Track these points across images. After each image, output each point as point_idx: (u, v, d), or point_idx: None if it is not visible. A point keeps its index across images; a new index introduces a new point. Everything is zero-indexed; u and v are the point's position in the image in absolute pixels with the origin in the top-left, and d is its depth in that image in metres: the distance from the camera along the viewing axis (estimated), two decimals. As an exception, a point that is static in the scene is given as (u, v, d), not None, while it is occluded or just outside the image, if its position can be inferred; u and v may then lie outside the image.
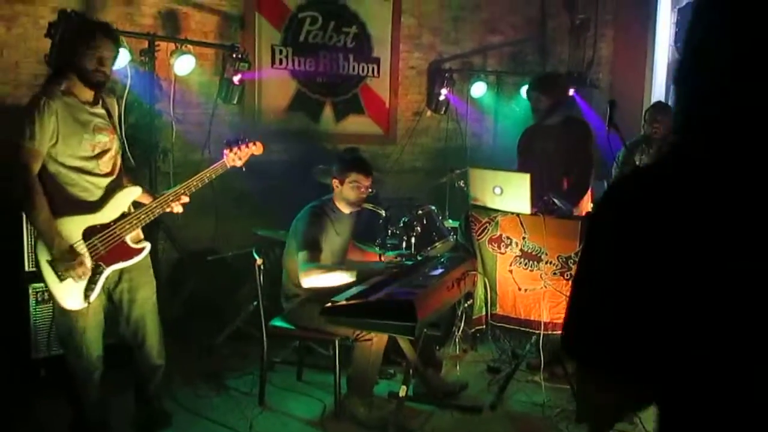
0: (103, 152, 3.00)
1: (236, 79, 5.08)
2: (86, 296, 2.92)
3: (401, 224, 4.60)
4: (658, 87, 6.76)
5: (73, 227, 2.90)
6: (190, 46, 4.85)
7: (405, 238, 4.52)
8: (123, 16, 4.82)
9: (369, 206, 4.49)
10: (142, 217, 3.05)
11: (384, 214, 4.56)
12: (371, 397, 3.65)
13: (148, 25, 4.94)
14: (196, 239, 5.27)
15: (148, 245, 3.13)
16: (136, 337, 3.19)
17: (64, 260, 2.84)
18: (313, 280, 3.58)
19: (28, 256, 3.81)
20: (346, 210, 3.85)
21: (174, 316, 4.65)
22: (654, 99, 6.73)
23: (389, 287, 3.31)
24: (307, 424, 3.66)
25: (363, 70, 6.17)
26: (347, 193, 3.78)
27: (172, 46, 4.86)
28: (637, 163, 4.58)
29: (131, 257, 3.07)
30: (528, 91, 4.66)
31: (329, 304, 3.16)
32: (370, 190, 3.88)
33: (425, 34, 6.52)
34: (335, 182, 3.79)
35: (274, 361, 4.19)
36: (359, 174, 3.79)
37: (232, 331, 4.66)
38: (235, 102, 5.20)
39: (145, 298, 3.19)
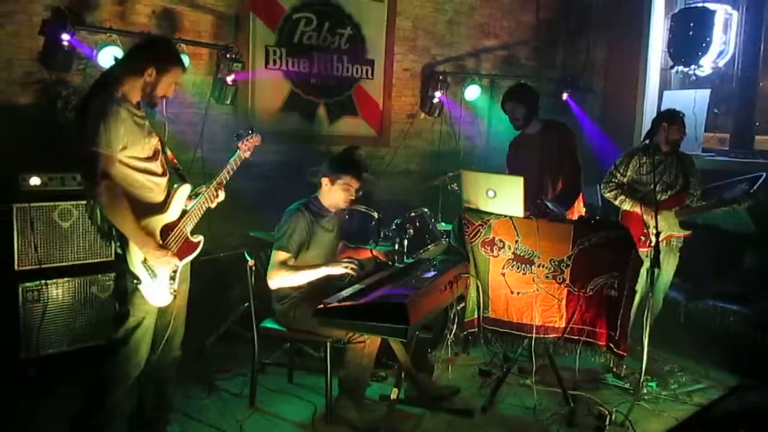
0: (156, 153, 3.08)
1: (230, 79, 5.07)
2: (171, 291, 3.07)
3: (394, 226, 4.61)
4: (651, 92, 6.79)
5: (154, 228, 3.00)
6: (183, 46, 4.84)
7: (398, 240, 4.53)
8: (116, 14, 4.80)
9: (362, 208, 4.48)
10: (197, 212, 3.19)
11: (377, 216, 4.57)
12: (363, 400, 3.65)
13: (142, 23, 4.92)
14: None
15: (202, 238, 3.24)
16: (169, 326, 3.22)
17: (156, 257, 2.94)
18: (277, 280, 3.59)
19: (18, 254, 3.79)
20: (332, 208, 3.86)
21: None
22: (647, 104, 6.76)
23: (382, 289, 3.31)
24: (298, 426, 3.66)
25: (357, 72, 6.17)
26: (336, 194, 3.79)
27: (165, 45, 4.84)
28: (629, 170, 4.57)
29: (194, 250, 3.21)
30: (503, 104, 4.66)
31: (321, 306, 3.15)
32: (359, 192, 3.90)
33: (420, 36, 6.53)
34: (325, 180, 3.79)
35: (265, 363, 4.18)
36: (353, 178, 3.81)
37: (223, 332, 4.64)
38: (228, 102, 5.20)
39: (185, 291, 3.29)
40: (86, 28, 4.54)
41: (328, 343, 3.58)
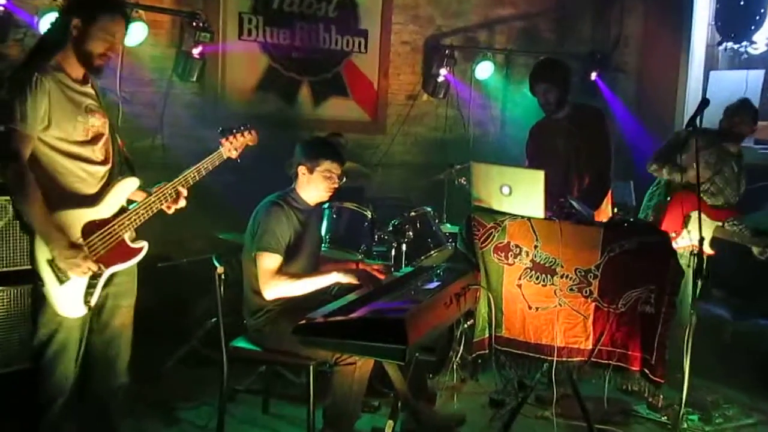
0: (97, 137, 3.04)
1: (196, 52, 5.08)
2: (86, 302, 2.98)
3: (390, 228, 4.62)
4: (695, 72, 6.82)
5: (72, 222, 2.93)
6: (141, 12, 4.84)
7: (395, 244, 4.54)
8: (61, -26, 4.80)
9: (352, 206, 4.49)
10: (141, 212, 3.11)
11: (370, 216, 4.58)
12: (351, 434, 3.65)
13: (92, -15, 4.91)
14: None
15: (145, 245, 3.20)
16: (109, 349, 3.19)
17: (65, 257, 2.85)
18: (278, 289, 3.59)
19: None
20: (312, 201, 3.86)
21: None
22: (691, 86, 6.79)
23: (375, 303, 3.31)
24: (274, 464, 3.67)
25: (347, 45, 6.17)
26: (317, 184, 3.80)
27: (120, 11, 4.83)
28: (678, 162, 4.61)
29: (130, 258, 3.13)
30: (531, 85, 4.68)
31: (303, 322, 3.15)
32: (343, 179, 3.90)
33: (422, 4, 6.54)
34: (302, 170, 3.79)
35: (235, 390, 4.18)
36: (333, 162, 3.81)
37: (186, 353, 4.64)
38: (193, 79, 5.20)
39: (128, 307, 3.25)
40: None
41: (311, 366, 3.57)
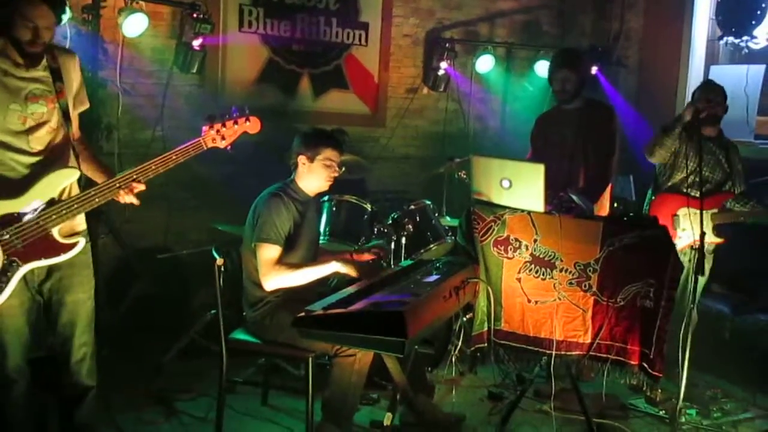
0: (38, 125, 2.93)
1: (196, 44, 5.06)
2: None
3: (390, 222, 4.62)
4: (695, 66, 6.81)
5: None
6: (142, 3, 4.83)
7: (394, 238, 4.53)
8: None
9: (352, 199, 4.49)
10: (75, 206, 2.93)
11: (369, 209, 4.57)
12: (350, 427, 3.65)
13: (92, -24, 4.90)
14: (144, 234, 5.25)
15: (81, 241, 3.03)
16: (63, 349, 3.12)
17: None
18: (278, 280, 3.58)
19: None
20: (311, 192, 3.86)
21: (115, 326, 4.63)
22: (692, 80, 6.77)
23: (375, 295, 3.30)
24: (272, 456, 3.67)
25: (348, 37, 6.16)
26: (318, 173, 3.79)
27: (120, 2, 4.83)
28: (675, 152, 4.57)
29: (57, 254, 2.95)
30: (552, 70, 4.72)
31: (302, 314, 3.14)
32: (342, 168, 3.90)
33: (423, -4, 6.53)
34: (302, 159, 3.78)
35: (234, 382, 4.18)
36: (333, 150, 3.81)
37: (185, 344, 4.64)
38: (194, 71, 5.19)
39: (76, 302, 3.11)
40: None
41: (310, 359, 3.57)
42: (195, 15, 4.98)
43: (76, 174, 3.03)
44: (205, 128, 3.15)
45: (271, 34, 5.76)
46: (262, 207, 3.67)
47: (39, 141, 2.94)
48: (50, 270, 3.01)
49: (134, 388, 4.20)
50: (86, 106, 3.22)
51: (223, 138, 3.17)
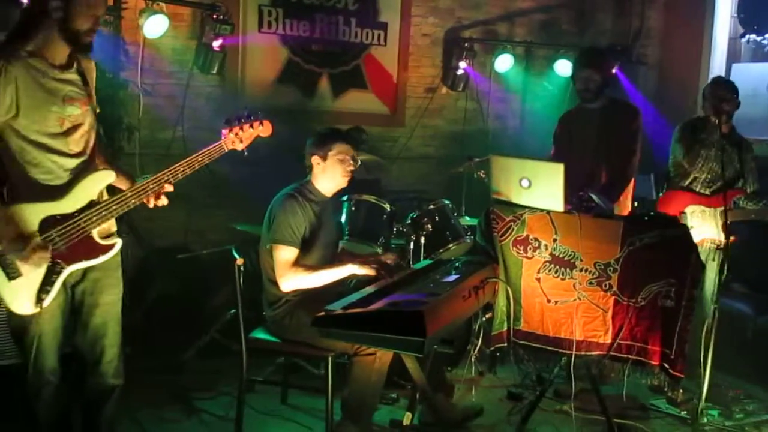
0: (74, 128, 2.94)
1: (216, 44, 5.09)
2: (39, 299, 2.84)
3: (409, 221, 4.62)
4: (717, 64, 6.76)
5: (28, 217, 2.82)
6: (162, 5, 4.86)
7: (413, 237, 4.54)
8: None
9: (371, 199, 4.49)
10: (114, 207, 2.95)
11: (388, 209, 4.57)
12: (370, 426, 3.65)
13: (114, -23, 4.94)
14: (165, 234, 5.29)
15: (119, 242, 3.06)
16: (93, 350, 3.13)
17: (13, 249, 2.75)
18: (294, 282, 3.59)
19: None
20: (328, 193, 3.87)
21: (136, 325, 4.65)
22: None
23: (394, 295, 3.31)
24: (292, 455, 3.69)
25: (367, 37, 6.16)
26: (333, 170, 3.79)
27: (141, 3, 4.86)
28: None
29: (97, 255, 2.98)
30: (576, 70, 4.71)
31: (322, 314, 3.15)
32: (358, 162, 3.90)
33: (442, -5, 6.52)
34: (316, 159, 3.78)
35: (254, 381, 4.18)
36: (344, 144, 3.81)
37: (205, 343, 4.67)
38: (214, 72, 5.22)
39: (109, 303, 3.13)
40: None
41: (330, 358, 3.58)
42: (215, 16, 5.01)
43: (113, 176, 3.05)
44: (224, 131, 3.19)
45: (290, 35, 5.78)
46: (278, 208, 3.68)
47: (76, 143, 2.96)
48: (86, 271, 3.03)
49: (155, 386, 4.23)
50: (97, 110, 3.25)
51: (241, 141, 3.22)
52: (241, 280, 3.68)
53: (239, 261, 3.69)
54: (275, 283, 3.65)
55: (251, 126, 3.25)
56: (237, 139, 3.20)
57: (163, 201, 3.08)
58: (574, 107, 4.84)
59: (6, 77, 2.74)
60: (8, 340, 3.84)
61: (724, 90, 4.51)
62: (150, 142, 5.19)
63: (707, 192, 4.57)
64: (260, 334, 3.78)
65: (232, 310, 4.50)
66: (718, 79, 4.72)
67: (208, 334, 4.68)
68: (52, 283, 2.87)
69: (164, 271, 5.03)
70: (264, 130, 3.31)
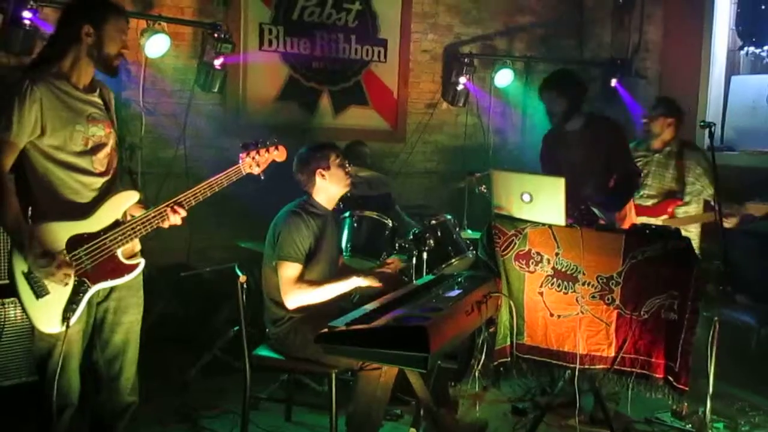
0: (98, 147, 2.99)
1: (217, 63, 5.12)
2: (65, 318, 2.86)
3: (411, 237, 4.62)
4: (716, 77, 6.77)
5: (56, 235, 2.85)
6: (163, 24, 4.90)
7: (416, 253, 4.53)
8: (85, -13, 4.86)
9: (373, 215, 4.50)
10: (138, 227, 3.00)
11: (390, 225, 4.58)
12: (374, 442, 3.65)
13: (115, -2, 4.97)
14: (167, 252, 5.27)
15: (142, 261, 3.11)
16: (111, 367, 3.15)
17: (39, 266, 2.78)
18: (300, 298, 3.60)
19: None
20: (330, 204, 3.92)
21: (139, 343, 4.66)
22: (712, 91, 6.74)
23: (397, 311, 3.31)
24: (296, 473, 3.67)
25: (367, 54, 6.20)
26: (338, 177, 3.85)
27: (142, 23, 4.90)
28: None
29: (122, 274, 3.02)
30: (540, 93, 4.64)
31: (325, 330, 3.15)
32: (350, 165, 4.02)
33: (441, 12, 6.56)
34: (319, 173, 3.81)
35: (258, 398, 4.18)
36: (334, 149, 3.91)
37: (208, 361, 4.67)
38: (215, 90, 5.25)
39: (131, 323, 3.17)
40: (51, 4, 4.60)
41: (333, 374, 3.58)
42: (216, 35, 5.04)
43: (137, 196, 3.10)
44: (242, 155, 3.27)
45: (290, 52, 5.82)
46: (282, 225, 3.69)
47: (100, 162, 3.01)
48: (110, 291, 3.07)
49: (159, 404, 4.22)
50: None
51: (258, 165, 3.31)
52: (244, 298, 3.70)
53: (242, 278, 3.71)
54: (277, 302, 3.65)
55: (267, 151, 3.33)
56: (254, 162, 3.29)
57: (176, 220, 3.12)
58: (554, 128, 4.76)
59: (31, 97, 2.80)
60: (16, 358, 3.91)
61: (652, 109, 4.96)
62: (152, 161, 5.21)
63: (649, 203, 4.87)
64: (264, 351, 3.78)
65: (236, 328, 4.50)
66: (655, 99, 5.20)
67: (211, 351, 4.67)
68: (78, 302, 2.89)
69: (167, 289, 5.04)
70: (279, 155, 3.40)
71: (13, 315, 3.97)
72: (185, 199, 3.10)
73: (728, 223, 4.60)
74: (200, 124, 5.37)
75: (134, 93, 5.08)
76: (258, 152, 3.29)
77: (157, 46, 4.87)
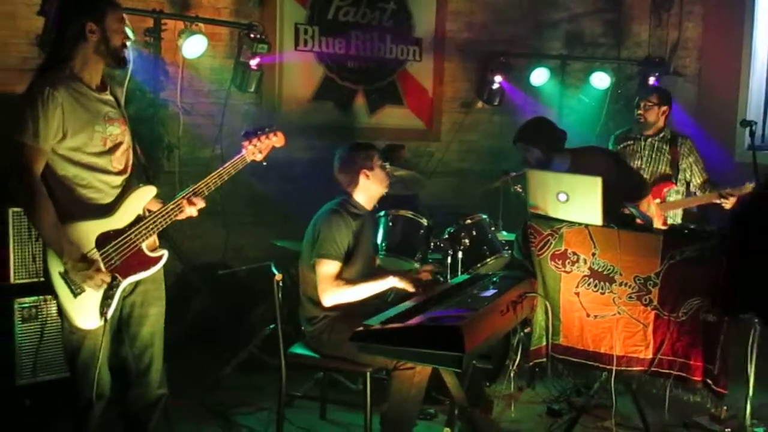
0: (116, 146, 3.06)
1: (254, 63, 5.16)
2: (102, 313, 2.95)
3: (446, 236, 4.63)
4: (757, 75, 6.67)
5: (85, 234, 2.93)
6: (201, 25, 4.96)
7: (450, 252, 4.54)
8: (125, -11, 4.94)
9: (408, 214, 4.51)
10: (159, 220, 3.08)
11: (425, 224, 4.59)
12: (408, 441, 3.66)
13: (154, 0, 5.05)
14: (204, 251, 5.36)
15: (165, 253, 3.18)
16: (141, 360, 3.21)
17: (78, 270, 2.87)
18: (336, 296, 3.62)
19: (14, 266, 3.90)
20: (369, 205, 3.94)
21: (176, 340, 4.71)
22: (753, 89, 6.63)
23: (432, 310, 3.31)
24: (331, 470, 3.70)
25: (402, 53, 6.21)
26: (380, 177, 3.88)
27: (180, 24, 4.96)
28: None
29: (148, 267, 3.10)
30: (514, 143, 4.49)
31: (360, 329, 3.17)
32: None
33: (476, 10, 6.54)
34: (364, 173, 3.83)
35: (293, 396, 4.22)
36: (376, 151, 3.94)
37: (244, 358, 4.71)
38: (251, 90, 5.29)
39: (157, 314, 3.25)
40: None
41: (368, 373, 3.60)
42: (252, 35, 5.08)
43: (154, 190, 3.16)
44: (244, 143, 3.31)
45: (326, 52, 5.85)
46: (322, 223, 3.72)
47: (119, 161, 3.07)
48: (136, 284, 3.13)
49: (195, 401, 4.27)
50: None
51: (260, 152, 3.34)
52: (280, 296, 3.73)
53: (278, 277, 3.74)
54: (314, 300, 3.68)
55: (267, 137, 3.36)
56: (256, 150, 3.32)
57: (192, 211, 3.17)
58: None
59: (53, 102, 2.84)
60: (58, 353, 3.99)
61: (645, 98, 5.01)
62: (189, 161, 5.27)
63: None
64: (299, 350, 3.81)
65: (272, 326, 4.54)
66: (644, 88, 5.43)
67: (247, 349, 4.71)
68: (112, 296, 2.98)
69: (204, 287, 5.10)
70: (278, 140, 3.41)
71: (54, 312, 4.04)
72: (199, 190, 3.17)
73: (727, 203, 4.74)
74: (236, 124, 5.41)
75: (172, 93, 5.14)
76: (259, 139, 3.33)
77: (194, 46, 4.93)
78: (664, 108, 4.99)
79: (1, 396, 3.91)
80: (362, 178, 3.84)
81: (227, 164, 3.23)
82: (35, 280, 3.96)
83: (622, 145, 5.08)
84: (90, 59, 2.98)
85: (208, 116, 5.39)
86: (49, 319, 4.03)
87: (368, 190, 3.87)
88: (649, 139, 5.01)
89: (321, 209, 3.82)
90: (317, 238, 3.68)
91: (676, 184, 4.99)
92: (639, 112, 5.01)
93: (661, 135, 5.02)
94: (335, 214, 3.73)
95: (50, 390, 4.00)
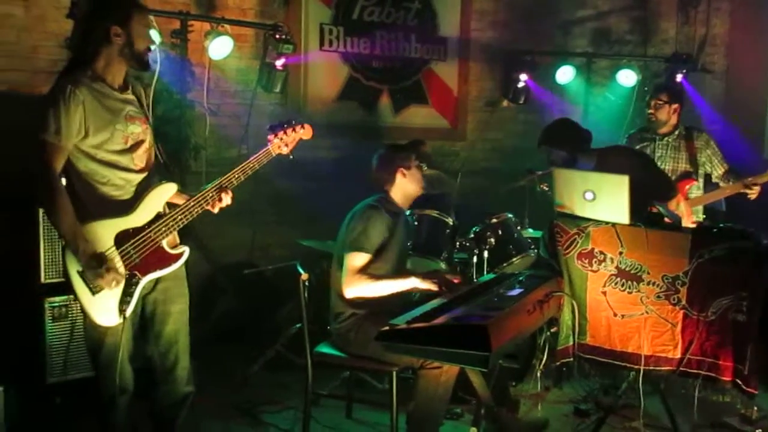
0: (137, 144, 3.10)
1: (279, 63, 5.18)
2: (121, 311, 2.98)
3: (472, 235, 4.62)
4: (787, 72, 6.59)
5: (104, 232, 2.96)
6: (227, 26, 4.98)
7: (476, 251, 4.53)
8: (152, -8, 4.99)
9: (434, 213, 4.51)
10: (179, 217, 3.09)
11: (451, 223, 4.59)
12: (435, 440, 3.65)
13: (180, 2, 5.10)
14: (231, 250, 5.40)
15: (186, 250, 3.20)
16: (166, 358, 3.24)
17: (89, 268, 2.90)
18: (358, 289, 3.63)
19: (45, 265, 3.96)
20: (405, 204, 3.97)
21: (203, 339, 4.75)
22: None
23: (458, 309, 3.31)
24: (357, 469, 3.70)
25: (427, 53, 6.20)
26: (416, 177, 3.92)
27: (206, 26, 4.99)
28: None
29: (168, 264, 3.12)
30: (538, 145, 4.52)
31: (386, 328, 3.17)
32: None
33: (501, 9, 6.52)
34: (401, 171, 3.85)
35: (319, 395, 4.24)
36: (415, 153, 3.99)
37: (270, 357, 4.74)
38: (277, 90, 5.31)
39: (180, 312, 3.26)
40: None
41: (394, 373, 3.60)
42: (278, 36, 5.10)
43: (175, 187, 3.18)
44: (270, 137, 3.34)
45: (351, 52, 5.87)
46: (359, 217, 3.74)
47: (140, 159, 3.11)
48: (157, 282, 3.16)
49: (222, 399, 4.31)
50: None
51: (286, 145, 3.36)
52: (306, 295, 3.74)
53: (304, 276, 3.75)
54: (342, 297, 3.69)
55: (294, 130, 3.38)
56: (282, 143, 3.34)
57: (226, 200, 3.19)
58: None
59: (75, 101, 2.89)
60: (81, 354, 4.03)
61: (657, 96, 4.96)
62: (216, 161, 5.31)
63: None
64: (325, 349, 3.82)
65: (298, 325, 4.56)
66: (655, 86, 5.31)
67: (273, 348, 4.74)
68: (131, 294, 3.00)
69: (230, 287, 5.14)
70: (305, 132, 3.44)
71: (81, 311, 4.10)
72: (222, 184, 3.19)
73: (753, 193, 4.74)
74: (262, 124, 5.40)
75: (198, 94, 5.18)
76: (285, 132, 3.34)
77: (220, 47, 4.96)
78: (675, 105, 4.94)
79: (33, 394, 3.96)
80: (399, 177, 3.86)
81: (251, 158, 3.25)
82: (64, 279, 4.00)
83: (637, 147, 5.01)
84: (113, 60, 3.02)
85: (234, 117, 5.42)
86: (78, 318, 4.06)
87: (404, 189, 3.89)
88: (665, 138, 4.98)
89: (357, 205, 3.84)
90: (352, 231, 3.70)
91: (697, 180, 4.95)
92: (650, 111, 4.97)
93: (676, 132, 4.98)
94: (373, 209, 3.75)
95: (80, 388, 4.05)
